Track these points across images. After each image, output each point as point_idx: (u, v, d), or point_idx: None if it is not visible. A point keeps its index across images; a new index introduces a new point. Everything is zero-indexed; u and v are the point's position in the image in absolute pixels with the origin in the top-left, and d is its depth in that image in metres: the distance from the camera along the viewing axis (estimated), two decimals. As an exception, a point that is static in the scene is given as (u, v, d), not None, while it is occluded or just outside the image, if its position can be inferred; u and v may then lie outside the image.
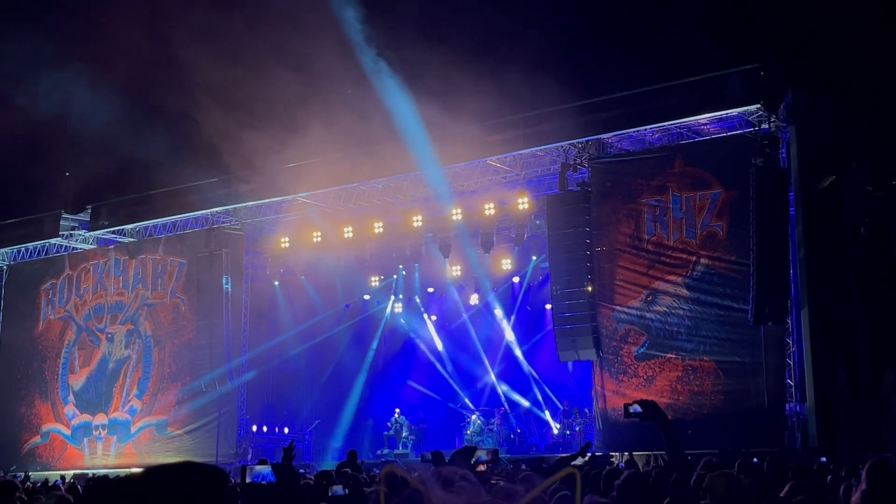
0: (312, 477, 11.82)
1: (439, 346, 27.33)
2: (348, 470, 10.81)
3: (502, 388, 25.66)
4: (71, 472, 23.49)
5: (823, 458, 15.37)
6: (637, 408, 5.00)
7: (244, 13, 22.18)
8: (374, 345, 28.16)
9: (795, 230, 18.58)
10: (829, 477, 10.10)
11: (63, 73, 23.23)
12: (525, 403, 25.09)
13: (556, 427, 23.76)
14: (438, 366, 27.02)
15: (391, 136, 21.44)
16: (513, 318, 26.39)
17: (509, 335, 26.14)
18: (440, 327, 27.77)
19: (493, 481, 8.43)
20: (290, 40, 21.86)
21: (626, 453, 18.39)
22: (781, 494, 6.03)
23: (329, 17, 20.69)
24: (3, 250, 29.21)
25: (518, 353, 25.79)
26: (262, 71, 22.97)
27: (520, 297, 26.18)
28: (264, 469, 7.97)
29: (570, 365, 23.45)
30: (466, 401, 25.86)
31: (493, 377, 25.89)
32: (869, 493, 5.19)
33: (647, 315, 19.71)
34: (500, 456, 17.83)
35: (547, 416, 24.55)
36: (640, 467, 14.13)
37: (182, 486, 2.18)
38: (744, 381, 18.56)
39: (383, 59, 20.61)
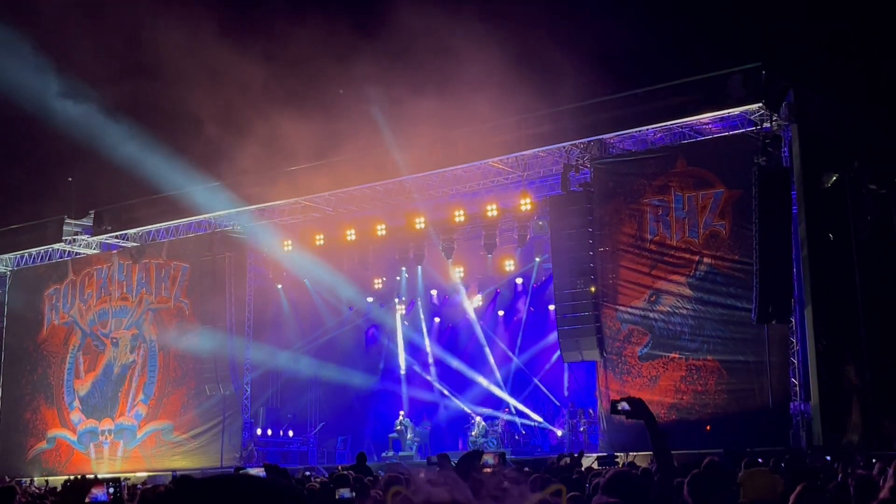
0: (318, 479, 11.82)
1: (443, 347, 27.32)
2: (351, 472, 10.82)
3: (506, 390, 25.64)
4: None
5: (829, 457, 15.36)
6: (625, 405, 5.00)
7: (247, 18, 22.22)
8: (378, 347, 28.15)
9: (798, 229, 18.55)
10: (839, 476, 10.07)
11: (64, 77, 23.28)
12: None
13: (558, 431, 23.74)
14: (442, 367, 27.01)
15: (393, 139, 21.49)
16: (516, 319, 26.39)
17: (512, 336, 26.15)
18: (443, 329, 27.78)
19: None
20: (288, 44, 21.92)
21: (631, 454, 18.37)
22: (792, 496, 6.00)
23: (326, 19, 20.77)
24: (7, 256, 29.22)
25: (521, 354, 25.77)
26: (263, 74, 23.02)
27: (527, 298, 26.15)
28: (258, 473, 7.97)
29: (566, 366, 23.50)
30: (469, 403, 25.84)
31: (497, 378, 25.87)
32: None
33: (651, 315, 19.70)
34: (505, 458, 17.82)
35: (544, 422, 24.49)
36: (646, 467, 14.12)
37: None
38: (748, 381, 18.54)
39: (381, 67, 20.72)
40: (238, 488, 2.14)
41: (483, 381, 26.11)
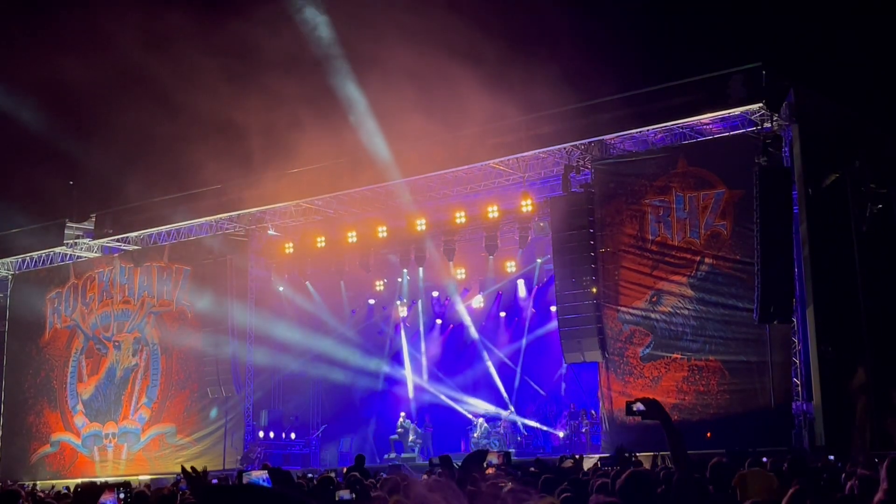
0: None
1: (444, 349, 27.32)
2: (356, 474, 10.81)
3: (507, 392, 25.63)
4: (79, 481, 23.50)
5: (832, 457, 15.36)
6: (640, 406, 5.01)
7: (243, 21, 22.25)
8: (379, 349, 28.16)
9: (799, 228, 18.55)
10: (842, 475, 10.05)
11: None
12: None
13: (559, 433, 23.74)
14: (443, 369, 27.01)
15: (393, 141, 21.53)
16: (518, 320, 26.39)
17: (514, 337, 26.14)
18: (445, 330, 27.79)
19: (500, 484, 8.44)
20: (289, 47, 21.95)
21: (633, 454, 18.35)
22: (785, 499, 5.98)
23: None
24: (8, 259, 29.24)
25: (523, 355, 25.77)
26: (264, 77, 23.03)
27: (528, 299, 26.15)
28: (261, 476, 7.98)
29: (563, 367, 23.49)
30: (471, 405, 25.83)
31: (497, 381, 25.87)
32: (891, 490, 5.04)
33: (652, 315, 19.70)
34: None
35: (544, 426, 24.47)
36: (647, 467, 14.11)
37: None
38: (750, 381, 18.53)
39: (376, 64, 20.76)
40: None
41: (484, 382, 26.11)
